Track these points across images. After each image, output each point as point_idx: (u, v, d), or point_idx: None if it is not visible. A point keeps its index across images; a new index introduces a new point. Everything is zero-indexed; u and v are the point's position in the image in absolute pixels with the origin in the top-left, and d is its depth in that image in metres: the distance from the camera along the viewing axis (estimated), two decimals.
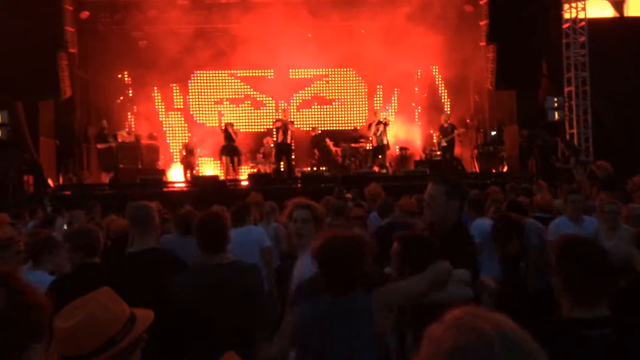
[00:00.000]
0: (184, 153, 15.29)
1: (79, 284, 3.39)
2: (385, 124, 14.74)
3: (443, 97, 16.98)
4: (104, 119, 14.74)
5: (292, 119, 15.26)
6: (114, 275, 3.50)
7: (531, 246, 5.51)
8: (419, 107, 17.02)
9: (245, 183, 13.77)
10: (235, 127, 14.99)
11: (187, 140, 15.67)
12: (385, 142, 14.60)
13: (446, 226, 3.30)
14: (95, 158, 15.40)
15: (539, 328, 2.15)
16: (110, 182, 13.76)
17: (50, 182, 12.92)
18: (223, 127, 14.60)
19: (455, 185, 3.49)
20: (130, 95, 16.66)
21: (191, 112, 17.10)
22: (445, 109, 16.57)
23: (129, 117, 16.58)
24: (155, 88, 16.67)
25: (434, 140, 15.67)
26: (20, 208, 9.13)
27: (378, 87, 17.18)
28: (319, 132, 16.24)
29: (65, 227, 5.76)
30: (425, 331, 1.16)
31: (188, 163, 15.14)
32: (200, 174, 15.49)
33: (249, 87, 17.14)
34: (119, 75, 16.59)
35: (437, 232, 3.30)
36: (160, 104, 16.92)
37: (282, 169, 14.69)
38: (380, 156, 14.66)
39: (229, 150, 14.49)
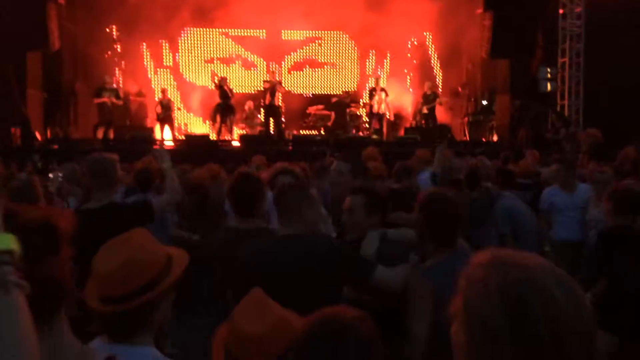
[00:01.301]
0: (159, 110, 14.63)
1: None
2: (385, 92, 14.62)
3: (434, 65, 16.89)
4: (106, 75, 14.26)
5: (280, 80, 15.09)
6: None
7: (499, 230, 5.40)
8: (411, 74, 16.93)
9: (236, 143, 13.70)
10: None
11: (161, 97, 14.93)
12: (383, 109, 14.51)
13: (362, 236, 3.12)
14: (83, 113, 15.14)
15: None
16: (104, 138, 13.50)
17: (37, 135, 12.72)
18: (217, 83, 14.27)
19: (376, 197, 3.20)
20: (119, 50, 16.27)
21: (180, 71, 16.81)
22: (436, 77, 16.52)
23: (117, 73, 16.22)
24: (144, 44, 16.31)
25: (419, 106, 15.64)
26: (7, 160, 8.98)
27: (371, 52, 17.03)
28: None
29: (60, 178, 5.66)
30: (460, 276, 1.16)
31: (165, 119, 14.63)
32: (190, 132, 15.34)
33: (240, 46, 16.85)
34: (108, 30, 16.17)
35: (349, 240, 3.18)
36: (148, 60, 16.59)
37: (272, 132, 14.56)
38: (378, 123, 14.60)
39: (224, 108, 14.27)
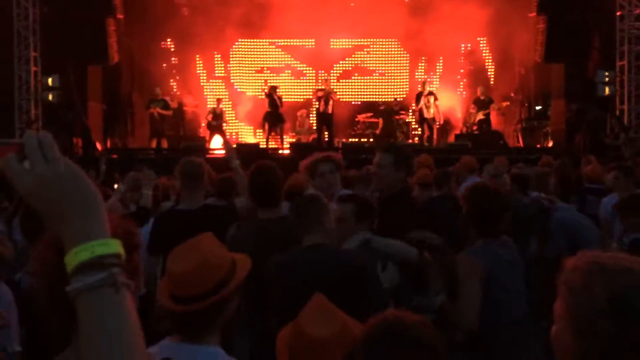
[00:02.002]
0: (210, 118, 14.94)
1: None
2: (434, 95, 14.45)
3: (489, 70, 16.59)
4: (157, 87, 14.82)
5: (334, 89, 15.18)
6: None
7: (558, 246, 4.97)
8: (464, 80, 16.69)
9: (286, 152, 13.86)
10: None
11: (215, 105, 15.24)
12: (432, 114, 14.35)
13: (390, 194, 3.42)
14: (139, 123, 15.69)
15: None
16: (157, 148, 13.96)
17: (98, 145, 13.27)
18: (266, 92, 14.49)
19: (403, 154, 3.52)
20: (174, 62, 16.80)
21: (232, 81, 17.18)
22: (490, 82, 16.24)
23: (172, 83, 16.73)
24: (198, 56, 16.78)
25: (471, 111, 15.37)
26: None
27: (422, 58, 16.91)
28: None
29: (123, 189, 5.90)
30: (558, 283, 1.19)
31: (216, 128, 14.90)
32: (240, 141, 15.62)
33: (289, 56, 17.08)
34: (163, 43, 16.73)
35: (381, 199, 3.45)
36: (202, 71, 17.04)
37: (325, 139, 14.60)
38: (427, 129, 14.46)
39: (273, 117, 14.47)
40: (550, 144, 14.28)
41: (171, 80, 16.72)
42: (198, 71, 16.95)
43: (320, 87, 14.90)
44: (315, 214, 2.79)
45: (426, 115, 14.23)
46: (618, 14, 13.87)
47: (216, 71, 17.15)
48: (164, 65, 16.54)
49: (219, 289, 1.76)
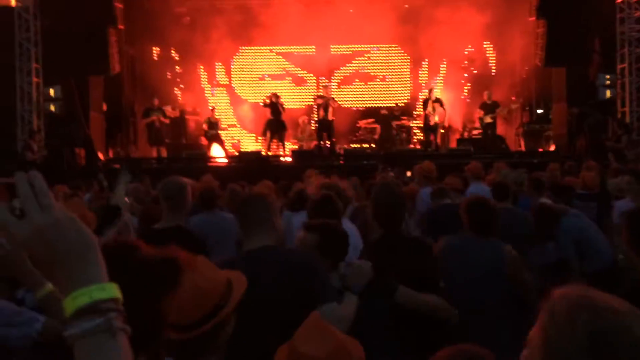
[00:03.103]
0: (205, 128, 14.94)
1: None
2: (440, 102, 14.46)
3: (493, 74, 16.57)
4: (155, 97, 14.87)
5: (333, 96, 15.20)
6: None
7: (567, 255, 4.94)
8: (468, 84, 16.67)
9: (288, 159, 13.87)
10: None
11: (210, 114, 15.21)
12: (437, 120, 14.36)
13: (380, 234, 3.35)
14: (142, 133, 15.72)
15: None
16: (158, 157, 14.01)
17: (100, 155, 13.31)
18: (268, 101, 14.47)
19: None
20: (177, 71, 16.86)
21: (234, 87, 17.22)
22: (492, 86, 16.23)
23: (177, 92, 16.78)
24: (200, 65, 16.84)
25: (478, 116, 15.34)
26: (75, 181, 9.42)
27: (422, 62, 16.92)
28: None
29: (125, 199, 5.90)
30: (541, 309, 1.18)
31: (213, 137, 14.91)
32: (242, 150, 15.65)
33: (290, 63, 17.12)
34: (165, 52, 16.79)
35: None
36: (204, 79, 17.10)
37: (327, 145, 14.60)
38: (432, 135, 14.46)
39: (275, 124, 14.46)
40: (552, 148, 14.26)
41: (175, 89, 16.79)
42: (201, 80, 16.99)
43: (319, 95, 14.92)
44: (263, 213, 2.61)
45: (432, 122, 14.23)
46: (618, 16, 13.87)
47: (218, 79, 17.20)
48: (167, 74, 16.59)
49: (215, 313, 1.75)
